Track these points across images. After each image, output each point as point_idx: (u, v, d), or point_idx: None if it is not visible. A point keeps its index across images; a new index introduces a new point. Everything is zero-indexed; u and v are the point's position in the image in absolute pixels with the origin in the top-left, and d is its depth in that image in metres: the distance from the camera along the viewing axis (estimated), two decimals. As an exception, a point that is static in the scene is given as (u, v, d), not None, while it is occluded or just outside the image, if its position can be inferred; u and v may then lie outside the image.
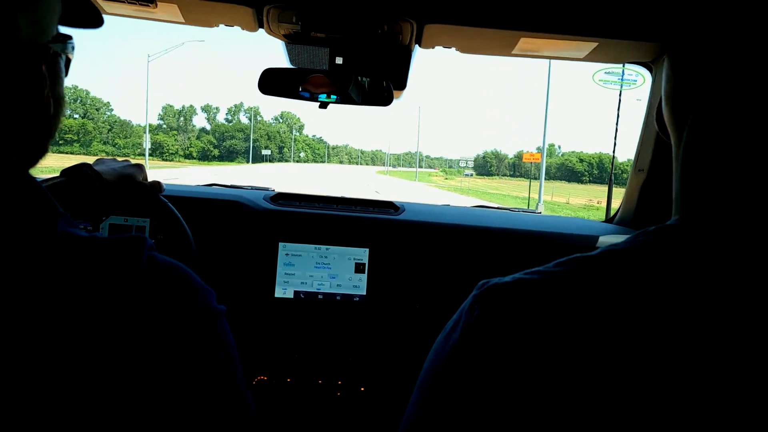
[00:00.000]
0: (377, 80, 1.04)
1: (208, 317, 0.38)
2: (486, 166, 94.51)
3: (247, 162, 73.69)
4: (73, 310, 0.32)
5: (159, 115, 79.64)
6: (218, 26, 1.10)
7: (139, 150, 62.48)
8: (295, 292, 1.09)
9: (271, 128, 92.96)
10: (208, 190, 1.20)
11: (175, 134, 76.59)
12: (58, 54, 0.39)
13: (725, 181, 0.32)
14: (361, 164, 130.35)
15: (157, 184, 0.81)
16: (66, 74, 0.42)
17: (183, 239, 0.84)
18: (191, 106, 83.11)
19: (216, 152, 74.31)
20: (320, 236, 1.09)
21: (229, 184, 1.32)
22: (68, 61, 0.41)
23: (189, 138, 77.73)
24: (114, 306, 0.33)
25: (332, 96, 1.02)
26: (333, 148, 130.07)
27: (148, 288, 0.35)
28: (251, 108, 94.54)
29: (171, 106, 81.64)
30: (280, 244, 1.09)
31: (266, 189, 1.27)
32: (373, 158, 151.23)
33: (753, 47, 0.32)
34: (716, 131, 0.33)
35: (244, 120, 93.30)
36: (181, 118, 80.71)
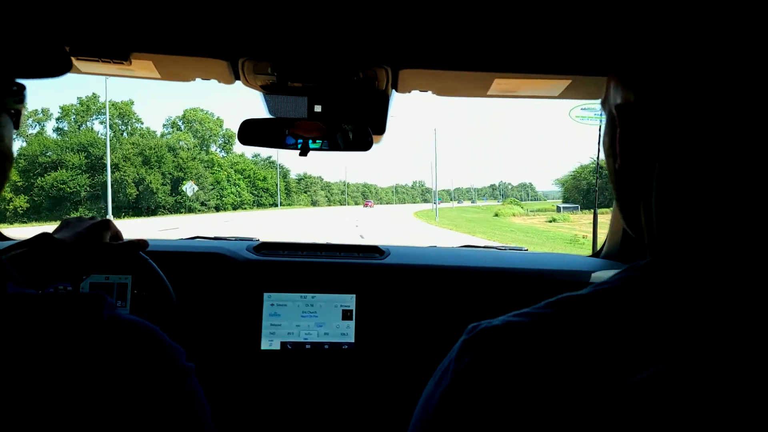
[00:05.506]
0: (356, 126, 1.55)
1: (176, 375, 0.53)
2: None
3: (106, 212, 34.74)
4: (33, 368, 0.45)
5: None
6: (195, 80, 1.62)
7: None
8: (282, 343, 1.58)
9: (156, 141, 62.11)
10: (191, 244, 1.72)
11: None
12: None
13: (707, 215, 0.46)
14: (348, 204, 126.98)
15: (136, 243, 1.14)
16: (16, 126, 0.58)
17: (164, 294, 1.23)
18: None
19: (22, 202, 49.03)
20: (306, 284, 1.59)
21: (213, 236, 1.82)
22: (17, 113, 0.58)
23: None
24: (76, 362, 0.47)
25: (317, 142, 1.52)
26: (300, 180, 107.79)
27: (110, 344, 0.50)
28: (116, 103, 62.29)
29: None
30: (265, 295, 1.58)
31: (250, 239, 1.76)
32: (365, 193, 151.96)
33: (725, 85, 0.45)
34: (693, 166, 0.46)
35: (98, 127, 63.08)
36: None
